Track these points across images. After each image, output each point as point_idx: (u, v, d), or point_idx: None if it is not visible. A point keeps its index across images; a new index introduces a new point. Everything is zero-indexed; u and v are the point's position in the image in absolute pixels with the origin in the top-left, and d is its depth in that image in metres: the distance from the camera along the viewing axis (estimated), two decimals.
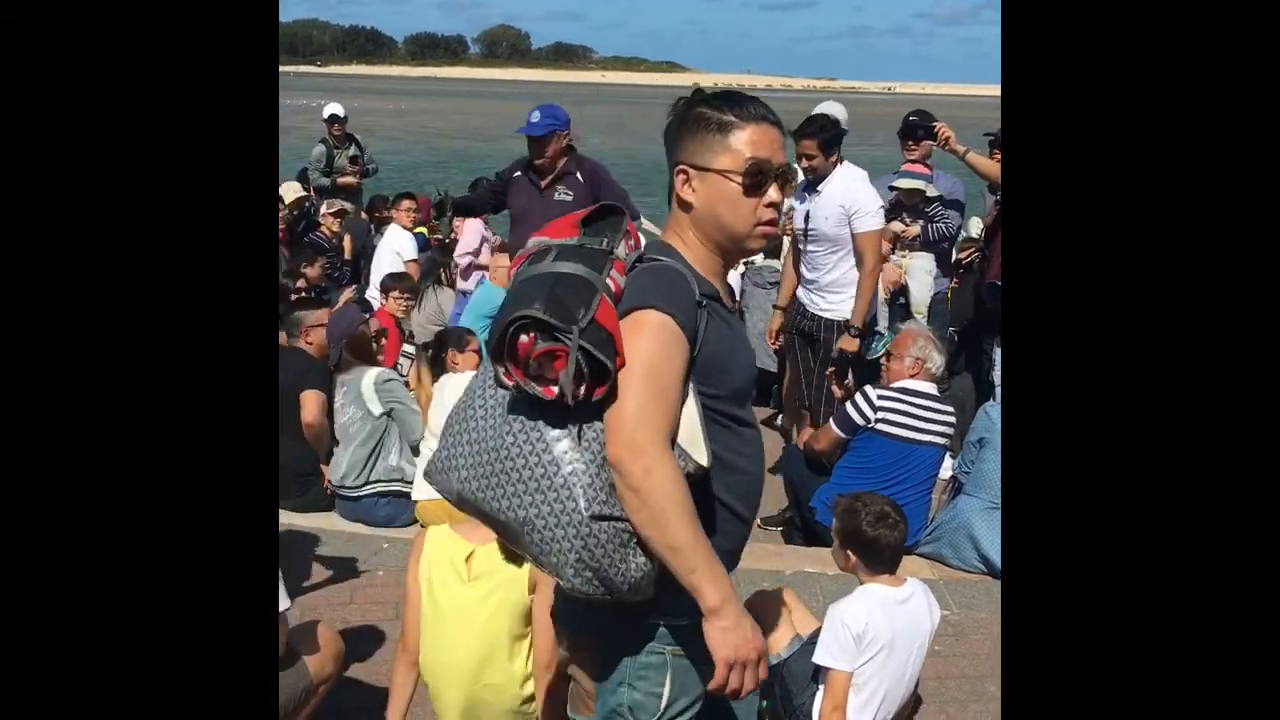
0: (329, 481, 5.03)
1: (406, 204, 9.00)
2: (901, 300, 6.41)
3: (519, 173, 5.86)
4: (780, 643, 3.17)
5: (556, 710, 2.84)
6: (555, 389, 1.81)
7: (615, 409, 1.84)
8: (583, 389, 1.81)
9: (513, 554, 2.81)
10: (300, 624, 2.93)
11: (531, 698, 2.85)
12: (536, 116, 5.65)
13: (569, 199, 5.58)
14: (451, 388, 4.75)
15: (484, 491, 1.92)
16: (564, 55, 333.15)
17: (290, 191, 10.02)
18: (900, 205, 6.34)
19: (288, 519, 4.75)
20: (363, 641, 3.76)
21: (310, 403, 5.02)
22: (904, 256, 6.40)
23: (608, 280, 1.88)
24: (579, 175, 5.69)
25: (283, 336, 5.16)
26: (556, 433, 1.86)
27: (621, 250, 1.93)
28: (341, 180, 10.45)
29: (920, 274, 6.35)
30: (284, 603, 2.65)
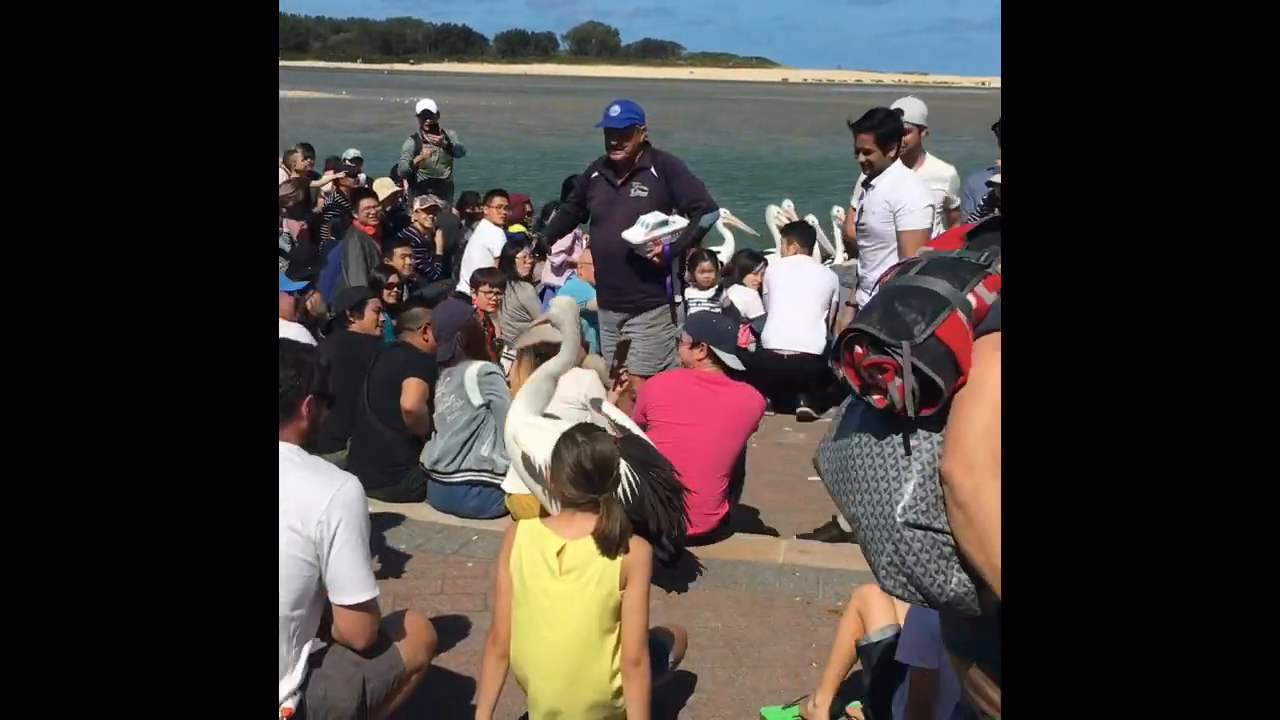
0: (422, 463, 5.11)
1: (498, 201, 9.10)
2: None
3: (596, 173, 5.85)
4: (877, 623, 3.14)
5: (644, 708, 2.86)
6: (885, 399, 1.84)
7: (958, 424, 1.83)
8: (912, 404, 1.82)
9: (605, 549, 2.83)
10: (392, 613, 2.97)
11: (620, 693, 2.86)
12: (616, 110, 5.62)
13: (644, 194, 5.58)
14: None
15: (835, 485, 1.99)
16: (652, 51, 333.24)
17: (383, 187, 10.21)
18: (995, 200, 6.22)
19: (380, 507, 4.83)
20: (452, 631, 3.80)
21: (411, 389, 5.11)
22: None
23: (969, 296, 1.88)
24: (653, 170, 5.65)
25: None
26: (889, 438, 1.89)
27: (998, 265, 1.90)
28: (416, 160, 10.56)
29: None
30: (373, 591, 2.70)
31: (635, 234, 5.45)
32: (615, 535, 2.83)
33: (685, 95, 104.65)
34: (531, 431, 4.01)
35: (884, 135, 5.01)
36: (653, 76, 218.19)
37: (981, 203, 6.16)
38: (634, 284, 5.67)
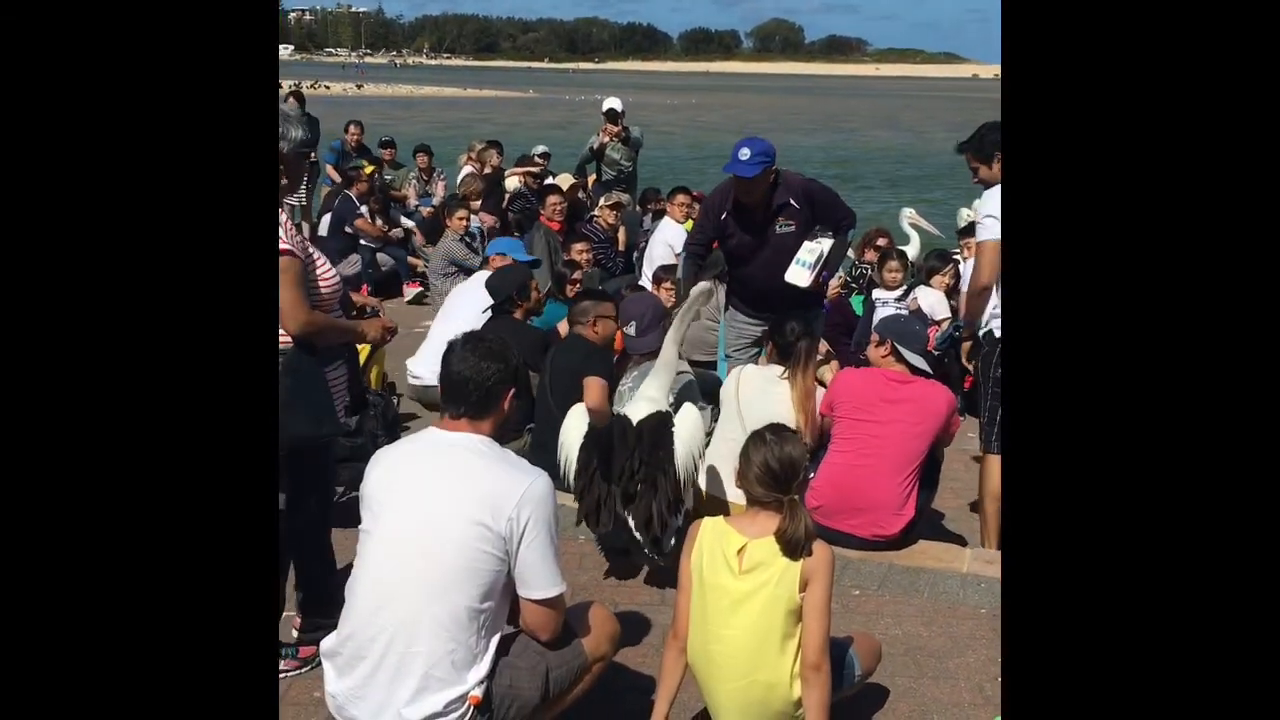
0: None
1: (680, 198, 9.12)
2: None
3: (726, 213, 5.51)
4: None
5: (822, 715, 2.81)
6: None
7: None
8: None
9: (788, 550, 2.80)
10: (576, 604, 3.02)
11: (800, 701, 2.82)
12: (746, 154, 5.23)
13: (791, 229, 5.36)
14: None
15: None
16: (837, 48, 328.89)
17: (565, 182, 10.40)
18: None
19: (562, 498, 4.90)
20: (631, 625, 3.83)
21: (594, 388, 5.13)
22: None
23: None
24: (793, 202, 5.38)
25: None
26: None
27: None
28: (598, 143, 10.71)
29: None
30: (561, 586, 2.75)
31: (802, 277, 5.28)
32: (799, 536, 2.80)
33: (871, 92, 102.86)
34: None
35: (982, 152, 4.84)
36: (837, 73, 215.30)
37: None
38: (793, 308, 5.40)
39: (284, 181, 3.22)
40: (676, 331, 4.41)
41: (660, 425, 4.21)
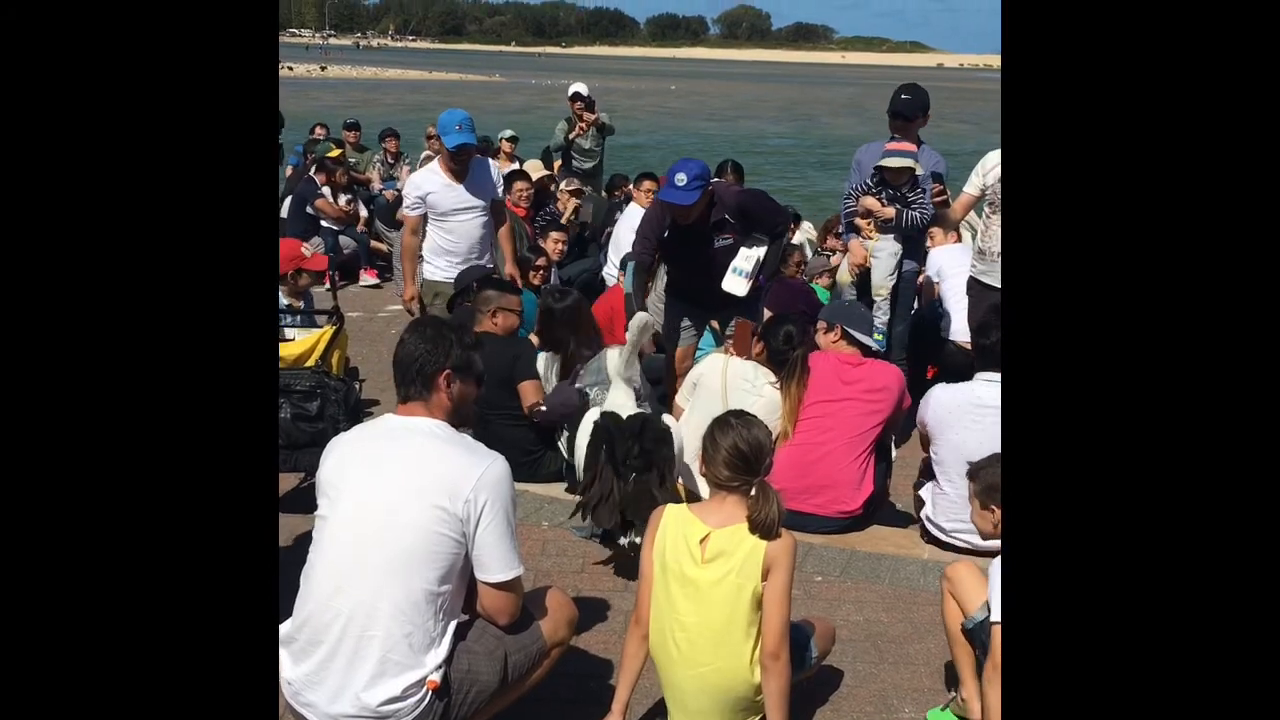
0: (565, 457, 5.13)
1: (647, 184, 9.09)
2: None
3: (666, 231, 5.55)
4: (973, 604, 3.08)
5: (783, 702, 2.82)
6: None
7: None
8: None
9: (760, 531, 2.80)
10: (535, 589, 3.01)
11: (759, 687, 2.83)
12: (683, 179, 5.22)
13: (729, 243, 5.44)
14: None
15: None
16: (804, 35, 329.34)
17: (535, 169, 10.35)
18: (885, 183, 5.97)
19: (521, 487, 4.88)
20: (592, 610, 3.83)
21: (529, 392, 5.08)
22: (871, 238, 6.06)
23: None
24: (728, 217, 5.43)
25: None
26: None
27: None
28: (572, 134, 10.65)
29: (885, 257, 5.99)
30: (518, 569, 2.74)
31: (739, 286, 5.38)
32: (772, 517, 2.81)
33: (837, 80, 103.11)
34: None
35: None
36: (804, 61, 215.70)
37: (868, 182, 6.02)
38: (724, 304, 5.61)
39: None
40: (625, 369, 4.50)
41: (654, 425, 4.21)
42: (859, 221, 6.02)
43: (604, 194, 10.69)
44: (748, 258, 5.36)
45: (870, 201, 5.95)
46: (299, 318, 5.75)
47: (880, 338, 5.75)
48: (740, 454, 2.86)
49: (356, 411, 5.19)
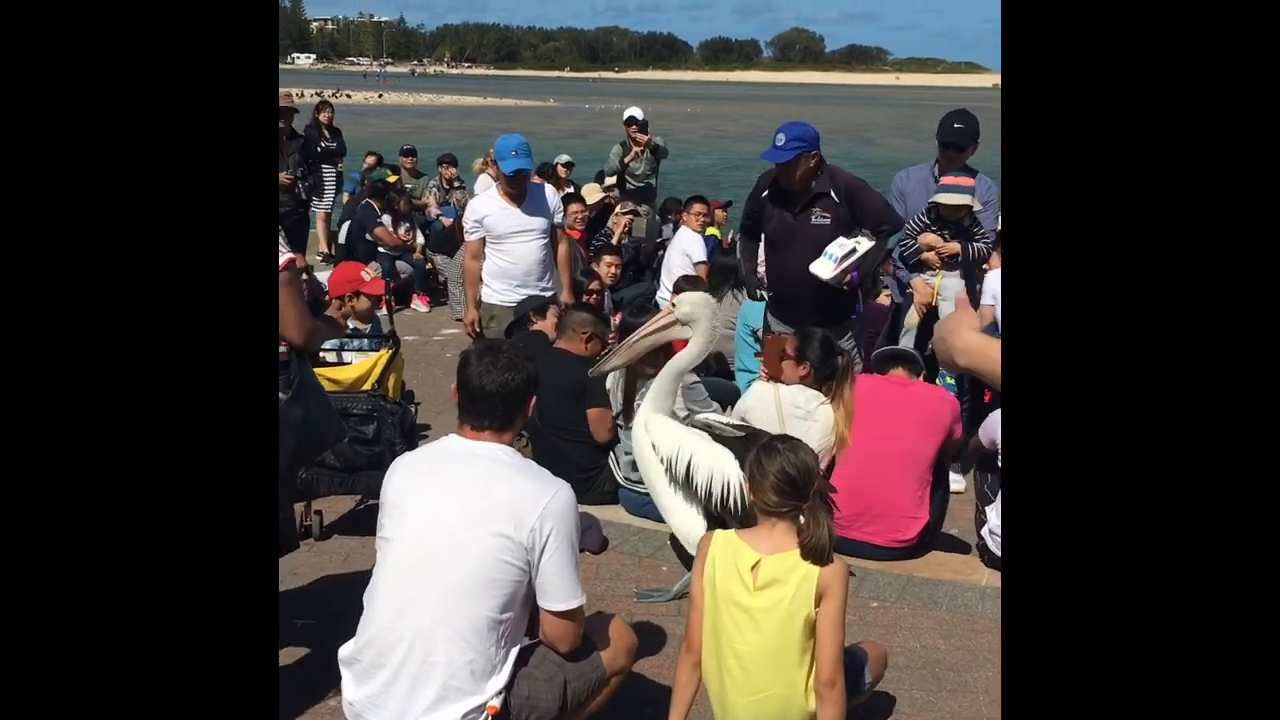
0: (612, 468, 5.13)
1: (697, 207, 9.14)
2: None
3: (766, 192, 5.52)
4: None
5: None
6: None
7: None
8: None
9: (813, 557, 2.78)
10: (595, 616, 3.01)
11: (815, 715, 2.80)
12: (781, 139, 5.23)
13: (826, 222, 5.28)
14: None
15: None
16: (858, 57, 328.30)
17: (591, 193, 10.42)
18: (941, 219, 5.81)
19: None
20: (647, 636, 3.82)
21: (602, 423, 5.09)
22: (935, 275, 5.82)
23: None
24: (834, 194, 5.31)
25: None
26: None
27: None
28: (628, 158, 10.68)
29: (953, 295, 5.69)
30: (580, 598, 2.74)
31: (825, 269, 5.17)
32: (823, 542, 2.78)
33: (891, 101, 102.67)
34: (661, 422, 4.04)
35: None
36: (858, 82, 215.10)
37: (924, 219, 5.83)
38: (819, 307, 5.37)
39: None
40: (690, 351, 4.23)
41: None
42: (926, 257, 5.84)
43: (657, 217, 10.72)
44: (842, 245, 5.19)
45: (931, 238, 5.81)
46: (361, 341, 5.83)
47: (953, 382, 5.60)
48: (788, 478, 2.84)
49: (412, 434, 5.25)
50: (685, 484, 3.92)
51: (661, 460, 3.97)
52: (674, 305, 4.19)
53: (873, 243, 5.23)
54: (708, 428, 4.06)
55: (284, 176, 9.42)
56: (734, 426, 4.07)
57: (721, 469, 3.90)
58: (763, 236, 5.68)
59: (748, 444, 4.04)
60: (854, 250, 5.17)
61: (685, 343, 4.21)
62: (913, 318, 5.96)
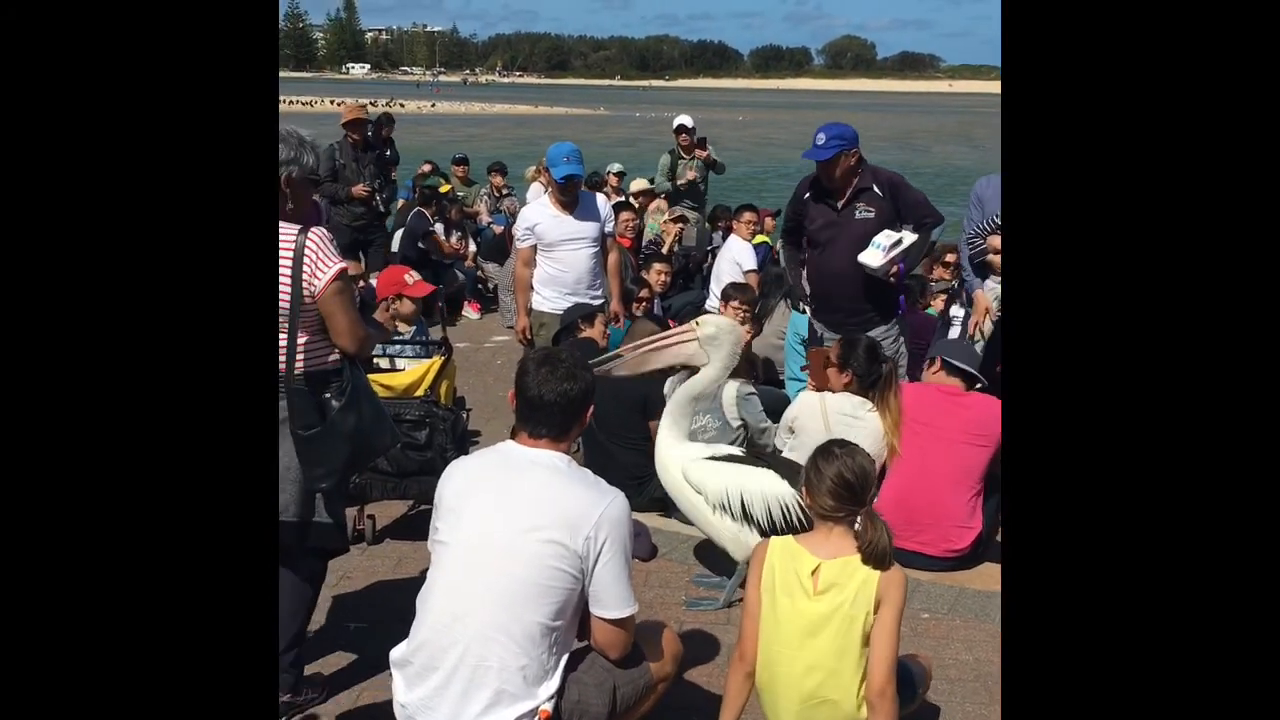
0: None
1: (747, 215, 9.12)
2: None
3: (809, 194, 5.59)
4: None
5: None
6: None
7: None
8: None
9: (873, 561, 2.76)
10: (644, 623, 3.01)
11: None
12: (821, 139, 5.34)
13: (870, 215, 5.34)
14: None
15: None
16: (910, 64, 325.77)
17: (639, 186, 10.44)
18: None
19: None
20: (695, 644, 3.82)
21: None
22: (999, 282, 5.66)
23: None
24: (876, 189, 5.39)
25: None
26: None
27: None
28: (681, 184, 10.63)
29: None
30: (633, 607, 2.75)
31: (873, 258, 5.20)
32: (884, 546, 2.77)
33: (944, 109, 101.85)
34: (698, 468, 4.03)
35: None
36: (910, 90, 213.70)
37: (996, 220, 5.64)
38: (866, 304, 5.45)
39: (289, 206, 3.11)
40: (708, 373, 4.16)
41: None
42: (991, 259, 5.75)
43: (706, 225, 10.71)
44: (889, 235, 5.23)
45: (998, 241, 5.76)
46: (412, 348, 5.88)
47: None
48: (846, 483, 2.83)
49: (463, 441, 5.28)
50: (744, 518, 3.94)
51: (711, 505, 3.99)
52: (697, 323, 4.16)
53: (916, 236, 5.29)
54: (730, 457, 4.12)
55: (361, 188, 9.18)
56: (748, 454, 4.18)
57: (775, 492, 3.92)
58: (805, 241, 5.72)
59: (780, 462, 4.07)
60: (900, 241, 5.23)
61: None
62: (986, 326, 5.89)
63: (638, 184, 10.77)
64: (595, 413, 5.08)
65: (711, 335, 4.08)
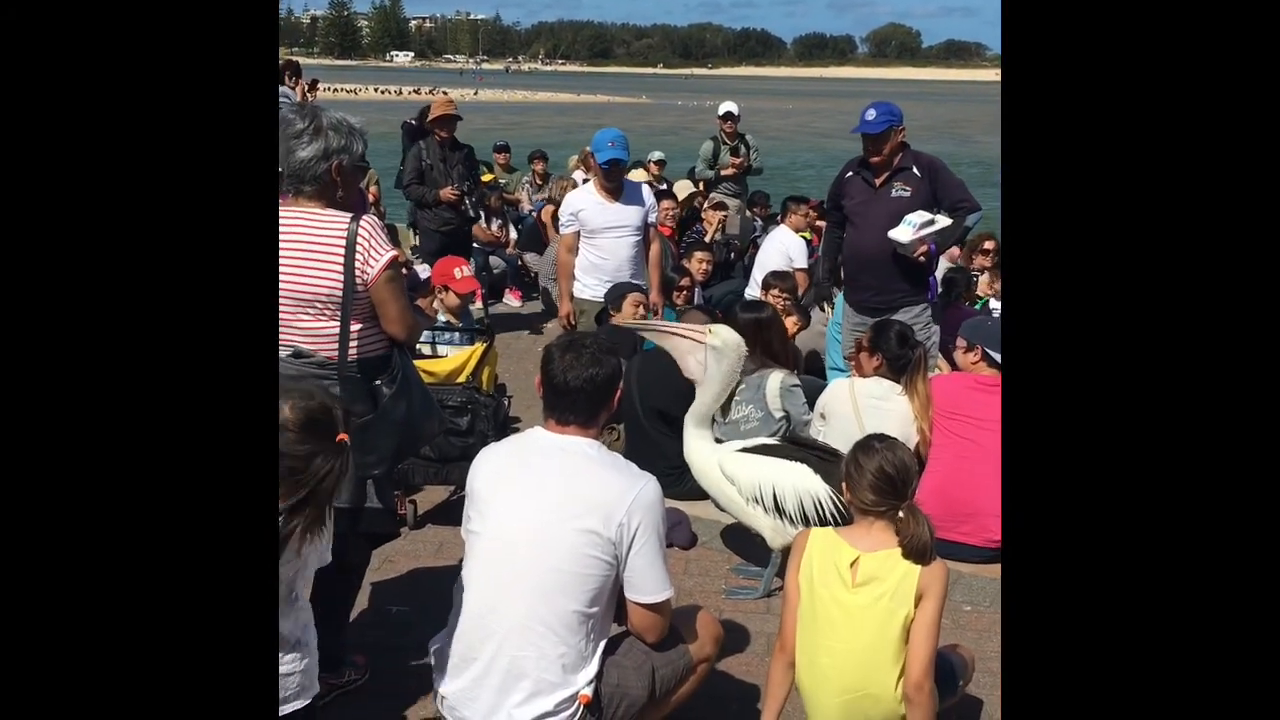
0: None
1: (802, 208, 9.11)
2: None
3: (850, 173, 5.71)
4: None
5: None
6: None
7: None
8: None
9: (914, 555, 2.75)
10: (682, 607, 3.02)
11: (905, 719, 2.76)
12: (872, 114, 5.47)
13: (906, 194, 5.42)
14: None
15: None
16: (955, 53, 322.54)
17: (682, 189, 10.41)
18: None
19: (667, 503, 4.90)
20: (735, 633, 3.82)
21: None
22: None
23: None
24: (916, 170, 5.49)
25: None
26: None
27: None
28: (725, 171, 10.59)
29: None
30: (668, 591, 2.75)
31: (903, 233, 5.27)
32: (925, 540, 2.75)
33: (989, 97, 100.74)
34: (733, 460, 4.09)
35: None
36: (955, 78, 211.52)
37: None
38: (895, 283, 5.51)
39: (340, 194, 3.15)
40: (704, 398, 4.16)
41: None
42: None
43: (748, 212, 10.67)
44: (922, 215, 5.31)
45: None
46: (455, 335, 5.91)
47: None
48: (886, 477, 2.81)
49: (504, 427, 5.31)
50: (777, 511, 3.99)
51: (745, 498, 4.06)
52: (710, 330, 4.14)
53: (950, 220, 5.37)
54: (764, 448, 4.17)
55: (450, 191, 8.10)
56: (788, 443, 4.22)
57: (808, 488, 3.95)
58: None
59: (811, 454, 4.07)
60: (932, 221, 5.30)
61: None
62: None
63: (682, 186, 10.72)
64: (642, 399, 5.13)
65: (717, 347, 4.08)
